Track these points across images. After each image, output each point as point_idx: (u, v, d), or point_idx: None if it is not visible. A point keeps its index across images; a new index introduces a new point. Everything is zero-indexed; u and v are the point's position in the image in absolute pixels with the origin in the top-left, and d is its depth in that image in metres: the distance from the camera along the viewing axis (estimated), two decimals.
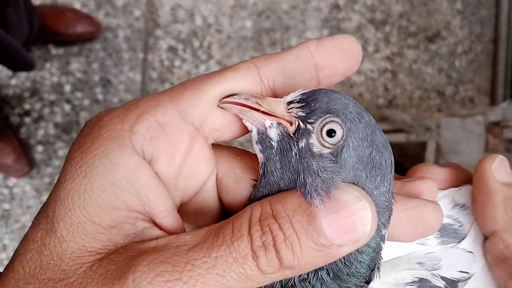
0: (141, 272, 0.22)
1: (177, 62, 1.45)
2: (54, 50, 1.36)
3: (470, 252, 0.32)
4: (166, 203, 0.26)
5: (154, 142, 0.25)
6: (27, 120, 1.35)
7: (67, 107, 1.36)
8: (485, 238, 0.32)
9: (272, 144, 0.26)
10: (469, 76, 1.65)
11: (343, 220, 0.23)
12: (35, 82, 1.35)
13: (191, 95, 0.26)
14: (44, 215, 0.24)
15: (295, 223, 0.23)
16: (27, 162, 1.29)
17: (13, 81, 1.34)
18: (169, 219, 0.26)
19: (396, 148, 1.20)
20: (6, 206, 1.32)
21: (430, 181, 0.32)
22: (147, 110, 0.25)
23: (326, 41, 0.29)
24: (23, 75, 1.34)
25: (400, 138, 1.23)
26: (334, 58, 0.29)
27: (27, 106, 1.35)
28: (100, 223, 0.24)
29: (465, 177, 0.35)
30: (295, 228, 0.23)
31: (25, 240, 0.24)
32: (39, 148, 1.34)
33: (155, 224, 0.25)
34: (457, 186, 0.35)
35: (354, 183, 0.25)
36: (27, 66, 1.11)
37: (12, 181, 1.32)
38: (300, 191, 0.25)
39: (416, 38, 1.61)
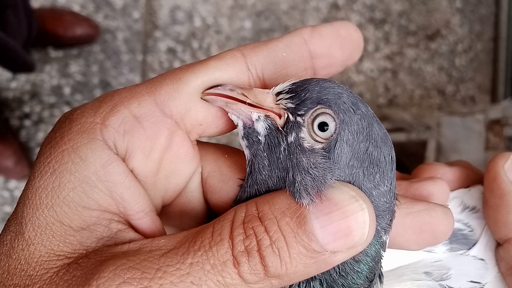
0: (106, 278, 0.20)
1: (176, 64, 1.45)
2: (53, 53, 1.36)
3: (481, 259, 0.29)
4: (142, 203, 0.24)
5: (128, 136, 0.23)
6: (27, 123, 1.35)
7: (67, 110, 1.36)
8: (498, 244, 0.29)
9: (259, 139, 0.24)
10: (469, 74, 1.64)
11: (338, 223, 0.21)
12: (35, 85, 1.35)
13: (170, 86, 0.24)
14: (14, 216, 0.23)
15: (283, 225, 0.21)
16: (28, 165, 1.29)
17: (13, 84, 1.34)
18: (146, 220, 0.24)
19: (397, 147, 1.19)
20: (7, 209, 1.32)
21: (442, 182, 0.29)
22: (121, 101, 0.23)
23: (322, 28, 0.26)
24: (22, 78, 1.34)
25: (400, 137, 1.22)
26: (331, 46, 0.26)
27: (27, 109, 1.35)
28: (70, 225, 0.22)
29: (475, 177, 0.32)
30: (283, 231, 0.21)
31: None
32: None
33: (131, 226, 0.23)
34: (466, 187, 0.32)
35: (350, 182, 0.23)
36: (27, 67, 1.11)
37: (13, 184, 1.32)
38: (289, 190, 0.22)
39: (416, 37, 1.60)
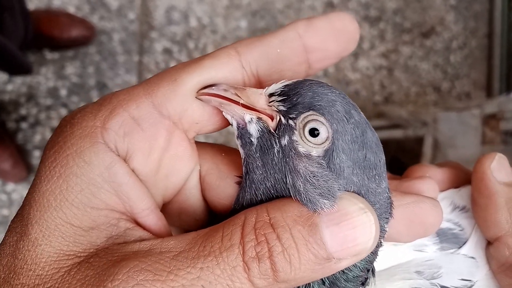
0: (120, 281, 0.20)
1: (172, 64, 1.45)
2: (49, 55, 1.36)
3: (472, 258, 0.30)
4: (146, 201, 0.24)
5: (128, 138, 0.24)
6: (24, 125, 1.34)
7: (64, 112, 1.36)
8: (488, 242, 0.30)
9: (251, 141, 0.24)
10: (464, 71, 1.65)
11: (346, 233, 0.22)
12: (31, 87, 1.35)
13: (166, 87, 0.24)
14: (20, 218, 0.23)
15: (296, 233, 0.22)
16: (25, 168, 1.29)
17: (9, 87, 1.34)
18: (152, 217, 0.24)
19: (394, 144, 1.20)
20: (5, 212, 1.32)
21: (430, 180, 0.29)
22: (120, 104, 0.24)
23: (317, 21, 0.26)
24: (18, 80, 1.34)
25: (397, 133, 1.23)
26: (325, 39, 0.26)
27: (23, 112, 1.34)
28: (79, 225, 0.22)
29: (465, 177, 0.32)
30: (295, 239, 0.21)
31: (2, 244, 0.23)
32: (36, 153, 1.34)
33: (138, 224, 0.24)
34: (456, 187, 0.32)
35: (358, 189, 0.24)
36: (25, 70, 1.11)
37: (10, 186, 1.32)
38: (296, 198, 0.23)
39: (411, 34, 1.61)
